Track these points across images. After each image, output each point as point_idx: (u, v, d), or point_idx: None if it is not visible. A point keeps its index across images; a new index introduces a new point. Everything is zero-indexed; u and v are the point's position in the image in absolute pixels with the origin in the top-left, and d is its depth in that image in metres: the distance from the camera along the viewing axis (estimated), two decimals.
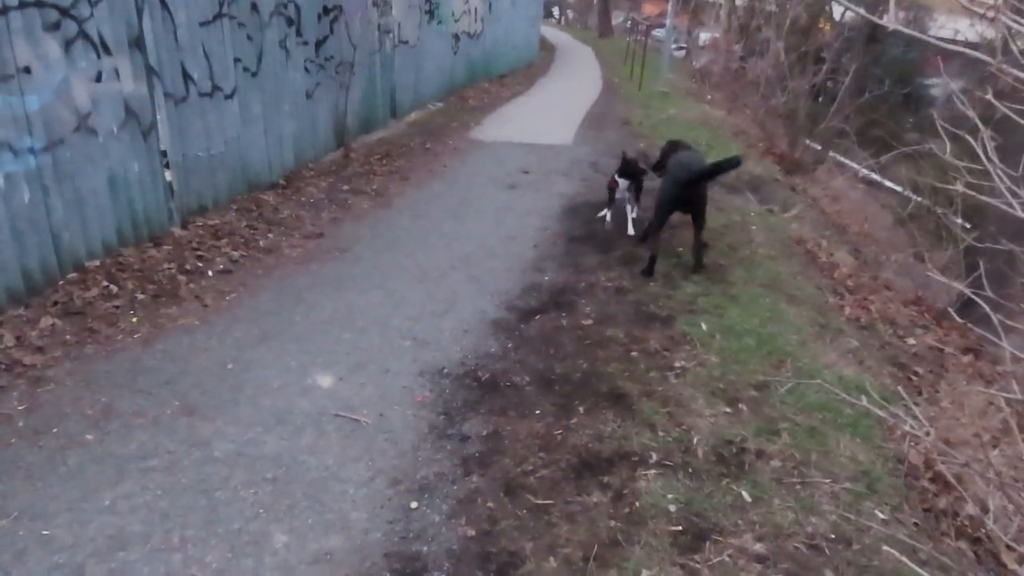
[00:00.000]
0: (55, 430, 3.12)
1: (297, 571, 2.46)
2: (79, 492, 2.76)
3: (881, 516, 2.85)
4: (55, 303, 4.12)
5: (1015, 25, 1.74)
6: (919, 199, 8.47)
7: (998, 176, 2.03)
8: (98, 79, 4.51)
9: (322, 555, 2.54)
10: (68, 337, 3.87)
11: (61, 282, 4.31)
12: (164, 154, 5.17)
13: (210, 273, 4.82)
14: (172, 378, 3.59)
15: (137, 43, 4.81)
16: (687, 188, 5.03)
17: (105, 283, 4.38)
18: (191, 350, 3.87)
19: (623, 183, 6.01)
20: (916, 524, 2.88)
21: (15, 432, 3.09)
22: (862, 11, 8.88)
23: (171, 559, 2.48)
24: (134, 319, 4.13)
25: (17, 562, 2.42)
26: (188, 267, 4.81)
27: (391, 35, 9.60)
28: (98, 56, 4.50)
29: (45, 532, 2.56)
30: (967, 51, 1.42)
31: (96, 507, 2.69)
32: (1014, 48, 1.82)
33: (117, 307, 4.21)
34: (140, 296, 4.36)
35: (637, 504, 2.81)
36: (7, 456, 2.93)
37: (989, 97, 1.63)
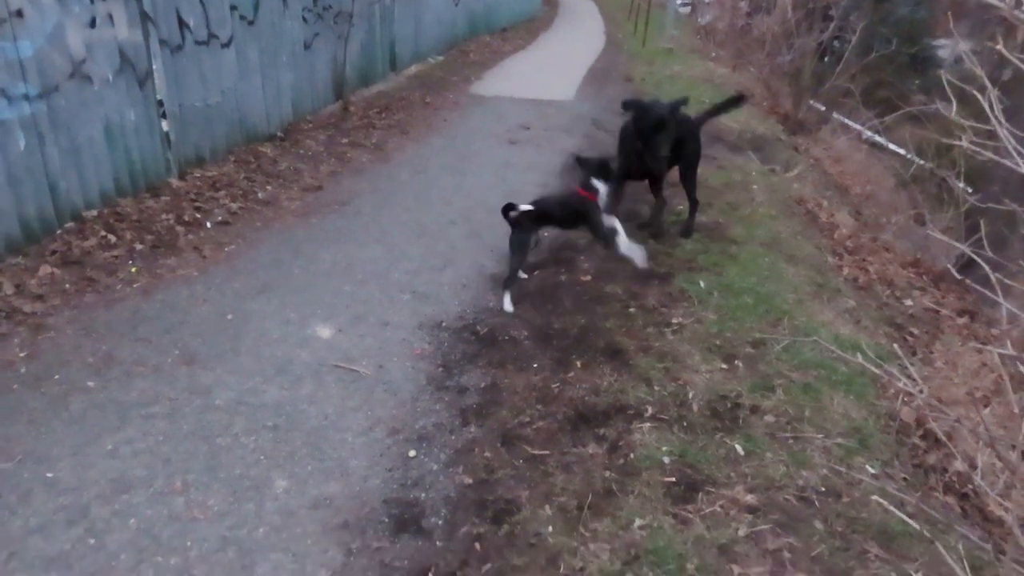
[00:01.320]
0: (56, 377, 3.15)
1: (298, 515, 2.52)
2: (82, 437, 2.80)
3: (871, 471, 2.90)
4: (53, 252, 4.11)
5: None
6: (922, 162, 8.41)
7: (1005, 135, 2.02)
8: (92, 24, 4.42)
9: (322, 500, 2.59)
10: (67, 286, 3.87)
11: (59, 231, 4.30)
12: (160, 103, 5.09)
13: (208, 224, 4.81)
14: (172, 328, 3.60)
15: None
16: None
17: (103, 233, 4.37)
18: (190, 300, 3.88)
19: (604, 189, 4.23)
20: (905, 479, 2.94)
21: (17, 378, 3.11)
22: None
23: (174, 502, 2.53)
24: (133, 269, 4.13)
25: (23, 503, 2.47)
26: (186, 218, 4.79)
27: None
28: (91, 1, 4.40)
29: (49, 475, 2.60)
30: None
31: (99, 452, 2.73)
32: None
33: (116, 257, 4.21)
34: (139, 246, 4.35)
35: (632, 456, 2.85)
36: (10, 401, 2.96)
37: (999, 48, 1.61)
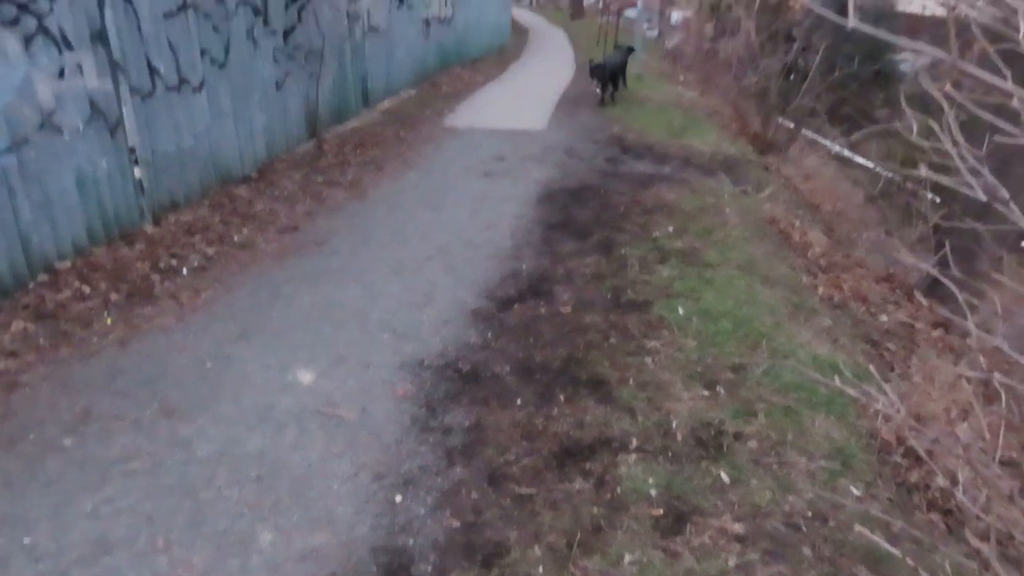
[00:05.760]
0: (32, 436, 3.09)
1: (284, 569, 2.48)
2: (60, 498, 2.75)
3: (856, 492, 2.93)
4: (26, 306, 4.05)
5: None
6: (889, 174, 8.59)
7: (960, 158, 2.07)
8: (61, 75, 4.42)
9: (309, 552, 2.56)
10: (41, 341, 3.81)
11: (31, 285, 4.24)
12: (132, 150, 5.08)
13: (185, 271, 4.77)
14: (151, 379, 3.56)
15: (100, 37, 4.70)
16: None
17: (77, 284, 4.32)
18: (169, 350, 3.84)
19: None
20: (889, 499, 2.97)
21: None
22: (828, 14, 8.90)
23: (157, 562, 2.49)
24: (108, 320, 4.08)
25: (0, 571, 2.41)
26: (162, 265, 4.75)
27: (360, 22, 9.47)
28: (60, 52, 4.39)
29: (27, 540, 2.55)
30: (925, 48, 1.45)
31: (78, 513, 2.68)
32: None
33: (91, 308, 4.16)
34: (114, 296, 4.31)
35: (619, 489, 2.86)
36: None
37: (949, 89, 1.66)
